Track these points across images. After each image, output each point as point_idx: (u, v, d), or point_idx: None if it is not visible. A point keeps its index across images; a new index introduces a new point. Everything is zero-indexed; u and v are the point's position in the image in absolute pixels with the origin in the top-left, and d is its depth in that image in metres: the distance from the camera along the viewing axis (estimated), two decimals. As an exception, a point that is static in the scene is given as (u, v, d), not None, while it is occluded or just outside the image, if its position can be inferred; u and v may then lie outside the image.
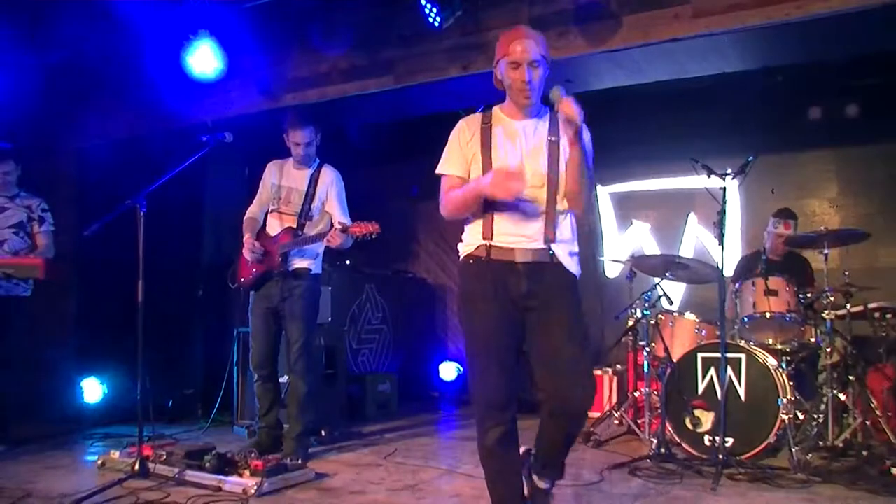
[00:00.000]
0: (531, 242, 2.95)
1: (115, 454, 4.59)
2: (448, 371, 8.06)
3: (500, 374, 2.88)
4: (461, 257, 3.07)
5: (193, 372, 6.96)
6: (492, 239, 2.95)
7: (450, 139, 3.11)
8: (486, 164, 2.98)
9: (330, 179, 4.99)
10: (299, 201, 4.97)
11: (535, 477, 3.09)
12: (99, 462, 4.60)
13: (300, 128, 4.90)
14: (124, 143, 6.66)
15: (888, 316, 5.07)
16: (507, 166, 2.90)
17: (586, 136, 3.02)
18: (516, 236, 2.94)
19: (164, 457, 4.31)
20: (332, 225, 4.69)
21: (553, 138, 3.03)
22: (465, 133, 3.08)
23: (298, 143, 4.93)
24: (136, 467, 4.15)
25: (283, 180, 5.06)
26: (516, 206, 2.93)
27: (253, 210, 5.16)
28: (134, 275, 4.19)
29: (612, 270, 7.54)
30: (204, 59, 5.69)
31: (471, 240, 3.03)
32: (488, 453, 2.93)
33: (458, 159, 3.06)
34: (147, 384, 4.30)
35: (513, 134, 3.04)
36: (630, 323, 5.69)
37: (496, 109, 3.12)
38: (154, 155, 5.98)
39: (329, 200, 4.96)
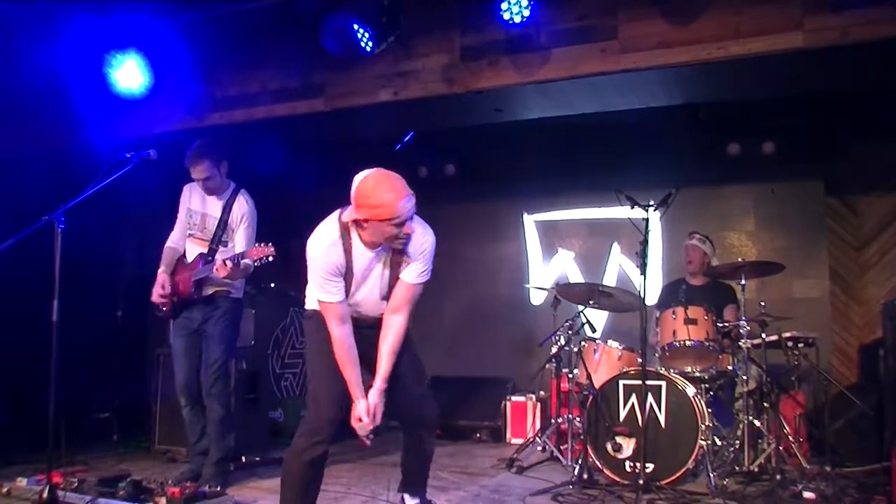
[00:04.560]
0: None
1: (22, 481, 4.38)
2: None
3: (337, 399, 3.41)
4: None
5: (110, 395, 6.73)
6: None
7: (316, 275, 3.39)
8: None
9: (243, 210, 4.87)
10: (213, 228, 4.89)
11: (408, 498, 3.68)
12: (4, 490, 4.38)
13: (195, 164, 4.77)
14: (42, 158, 6.44)
15: (800, 345, 5.25)
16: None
17: None
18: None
19: (76, 484, 4.15)
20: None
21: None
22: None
23: (198, 178, 4.83)
24: (45, 495, 3.96)
25: (199, 205, 4.96)
26: None
27: (173, 237, 5.07)
28: (47, 296, 4.03)
29: (537, 297, 7.62)
30: (130, 75, 5.57)
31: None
32: (310, 464, 3.33)
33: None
34: (59, 407, 4.13)
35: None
36: (554, 350, 5.75)
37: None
38: (75, 171, 5.80)
39: (238, 230, 4.85)
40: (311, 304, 3.53)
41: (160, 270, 4.91)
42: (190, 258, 4.92)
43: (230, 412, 4.86)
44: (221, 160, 4.86)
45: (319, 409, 3.36)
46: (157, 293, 4.87)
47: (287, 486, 3.33)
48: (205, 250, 4.85)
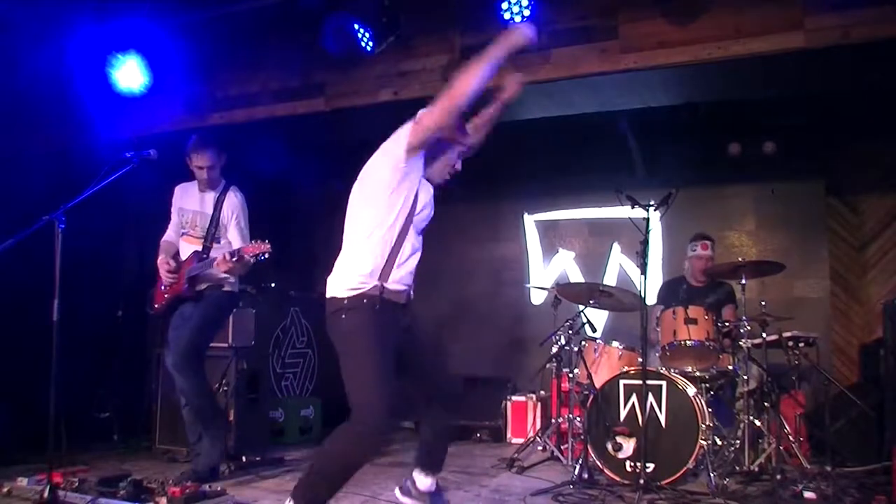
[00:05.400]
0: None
1: (23, 481, 4.38)
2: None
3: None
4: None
5: (110, 395, 6.72)
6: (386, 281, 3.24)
7: None
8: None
9: (234, 204, 4.89)
10: (205, 225, 4.90)
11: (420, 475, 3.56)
12: (4, 490, 4.38)
13: (201, 151, 4.81)
14: (43, 158, 6.45)
15: (801, 345, 5.26)
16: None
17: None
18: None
19: (76, 484, 4.14)
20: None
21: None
22: None
23: (201, 166, 4.85)
24: (46, 495, 3.96)
25: (190, 204, 4.99)
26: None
27: (168, 234, 5.11)
28: (47, 296, 4.03)
29: (538, 297, 7.62)
30: (130, 75, 5.59)
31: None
32: (363, 463, 3.16)
33: None
34: (60, 407, 4.13)
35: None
36: (554, 349, 5.74)
37: None
38: (75, 170, 5.81)
39: (230, 226, 4.87)
40: (346, 288, 3.21)
41: (160, 258, 4.94)
42: (184, 256, 4.95)
43: (202, 388, 4.79)
44: (222, 151, 4.92)
45: (383, 412, 3.13)
46: (164, 269, 4.89)
47: (331, 475, 3.18)
48: (199, 248, 4.87)
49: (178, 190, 5.09)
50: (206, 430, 4.79)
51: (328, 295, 3.27)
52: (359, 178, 3.37)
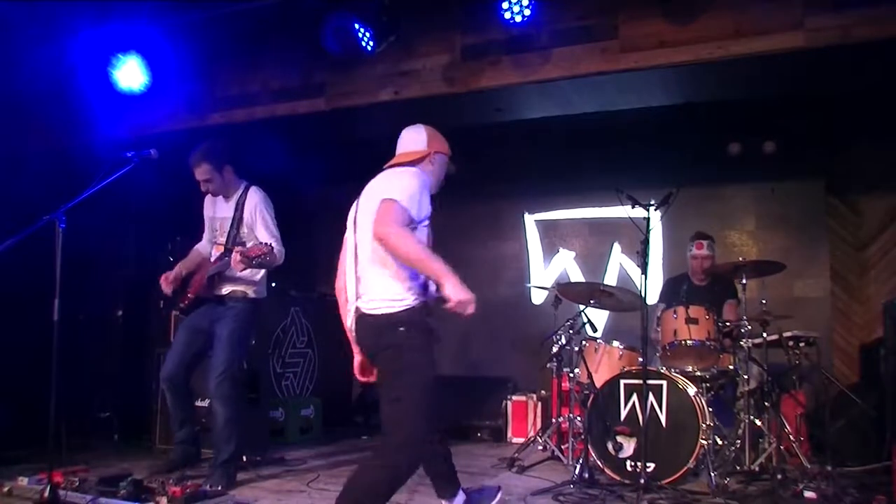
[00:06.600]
0: None
1: (23, 481, 4.38)
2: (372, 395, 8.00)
3: None
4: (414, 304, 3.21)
5: (110, 394, 6.72)
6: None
7: (420, 184, 3.23)
8: None
9: (254, 203, 4.87)
10: (228, 228, 4.91)
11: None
12: (5, 490, 4.37)
13: (197, 165, 4.80)
14: (44, 157, 6.45)
15: (801, 345, 5.26)
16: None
17: None
18: None
19: (77, 483, 4.14)
20: None
21: None
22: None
23: (199, 179, 4.85)
24: (46, 495, 3.95)
25: (215, 211, 5.01)
26: None
27: (202, 242, 5.17)
28: (48, 295, 4.03)
29: (538, 297, 7.62)
30: (131, 74, 5.60)
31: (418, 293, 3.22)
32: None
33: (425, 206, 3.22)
34: (60, 407, 4.12)
35: None
36: (555, 349, 5.73)
37: None
38: (76, 170, 5.82)
39: (256, 224, 4.84)
40: (400, 302, 3.20)
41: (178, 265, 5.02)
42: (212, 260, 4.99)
43: (236, 415, 4.77)
44: (223, 165, 4.86)
45: (434, 423, 3.25)
46: (163, 279, 4.96)
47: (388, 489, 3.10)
48: (223, 252, 4.88)
49: (206, 199, 5.09)
50: (217, 452, 4.73)
51: (376, 311, 3.22)
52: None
